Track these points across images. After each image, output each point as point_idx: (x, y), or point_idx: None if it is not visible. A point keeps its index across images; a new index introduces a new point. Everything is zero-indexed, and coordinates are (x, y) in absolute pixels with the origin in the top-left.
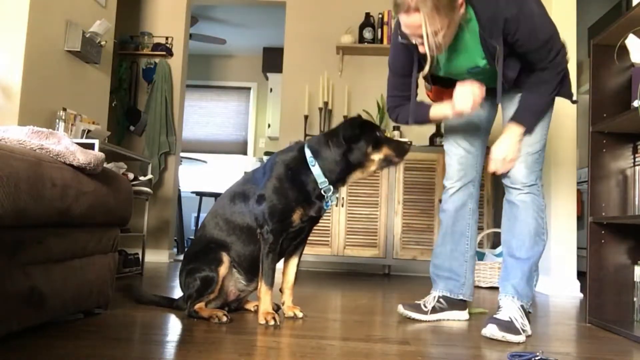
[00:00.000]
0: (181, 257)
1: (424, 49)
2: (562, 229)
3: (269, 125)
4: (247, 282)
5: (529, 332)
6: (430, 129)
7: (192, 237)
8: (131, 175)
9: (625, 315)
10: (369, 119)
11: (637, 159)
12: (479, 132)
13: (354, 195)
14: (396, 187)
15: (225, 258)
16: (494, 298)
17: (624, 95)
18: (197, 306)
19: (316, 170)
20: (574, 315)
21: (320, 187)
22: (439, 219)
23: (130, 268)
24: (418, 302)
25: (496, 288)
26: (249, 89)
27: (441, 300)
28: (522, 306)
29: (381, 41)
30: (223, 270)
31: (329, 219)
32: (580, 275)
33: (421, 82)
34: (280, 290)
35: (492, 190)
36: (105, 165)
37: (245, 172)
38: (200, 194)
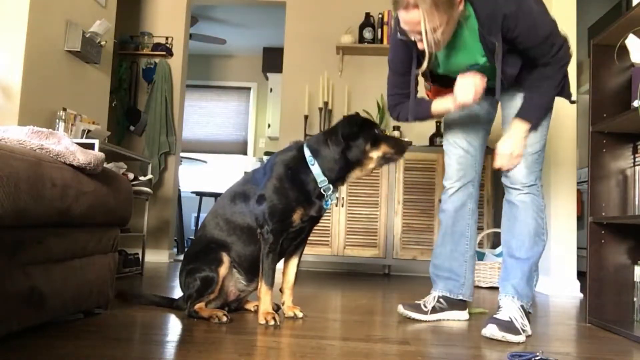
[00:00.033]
0: (181, 257)
1: (422, 45)
2: (562, 229)
3: (269, 125)
4: (247, 282)
5: (529, 332)
6: (431, 129)
7: (192, 237)
8: (131, 175)
9: (625, 315)
10: (368, 118)
11: (637, 159)
12: (478, 132)
13: (354, 195)
14: (396, 187)
15: (226, 258)
16: (494, 298)
17: (624, 95)
18: (197, 306)
19: (316, 169)
20: (574, 315)
21: (319, 186)
22: (439, 219)
23: (130, 268)
24: (418, 302)
25: (496, 288)
26: (249, 89)
27: (441, 300)
28: (522, 306)
29: (381, 41)
30: (223, 270)
31: (329, 219)
32: (580, 275)
33: (421, 81)
34: (281, 290)
35: (492, 190)
36: (105, 165)
37: (245, 172)
38: (200, 194)
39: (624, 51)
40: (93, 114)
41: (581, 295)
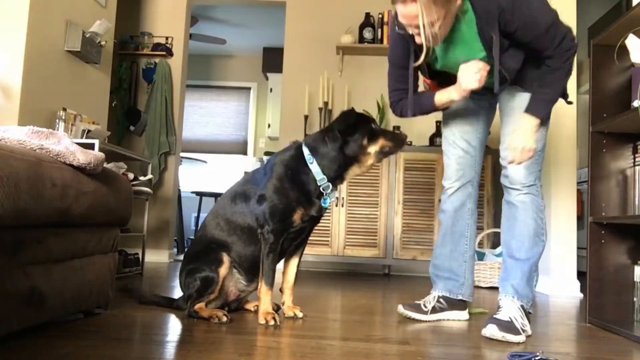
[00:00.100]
0: (181, 257)
1: (420, 39)
2: (562, 229)
3: (269, 125)
4: (247, 282)
5: (529, 332)
6: (431, 129)
7: (192, 237)
8: (131, 175)
9: (625, 315)
10: (364, 113)
11: (637, 159)
12: (477, 131)
13: (354, 195)
14: (396, 187)
15: (226, 258)
16: (494, 298)
17: (624, 95)
18: (197, 306)
19: (314, 167)
20: (574, 315)
21: (319, 184)
22: (439, 219)
23: (130, 268)
24: (418, 302)
25: (496, 288)
26: (249, 89)
27: (441, 300)
28: (522, 306)
29: (381, 41)
30: (223, 270)
31: (329, 219)
32: (580, 275)
33: (421, 78)
34: (281, 290)
35: (492, 190)
36: (105, 165)
37: (245, 172)
38: (200, 194)
39: (624, 51)
40: (93, 114)
41: (581, 295)
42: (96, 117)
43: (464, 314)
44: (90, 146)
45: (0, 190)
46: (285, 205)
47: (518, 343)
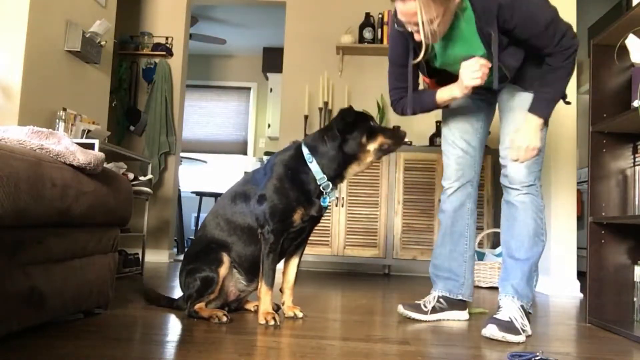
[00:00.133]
0: (181, 257)
1: (419, 36)
2: (562, 229)
3: (269, 125)
4: (247, 282)
5: (529, 332)
6: (431, 129)
7: (192, 237)
8: (131, 175)
9: (625, 315)
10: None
11: (637, 159)
12: (476, 131)
13: (354, 195)
14: (396, 187)
15: (226, 258)
16: (494, 298)
17: (624, 95)
18: (197, 306)
19: (314, 166)
20: (574, 315)
21: (319, 183)
22: (438, 219)
23: (130, 268)
24: (418, 302)
25: (496, 288)
26: (249, 89)
27: (441, 300)
28: (522, 306)
29: (381, 41)
30: (223, 270)
31: (329, 219)
32: (580, 275)
33: (421, 78)
34: (281, 290)
35: (492, 190)
36: (105, 165)
37: (245, 172)
38: (200, 194)
39: (624, 51)
40: (93, 114)
41: (581, 295)
42: (96, 117)
43: (464, 314)
44: (90, 146)
45: (0, 190)
46: (286, 205)
47: (518, 343)
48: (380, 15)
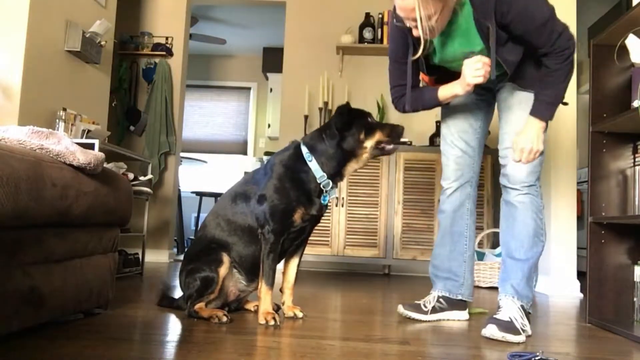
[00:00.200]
0: (181, 257)
1: (417, 32)
2: (562, 229)
3: (269, 125)
4: (247, 282)
5: (529, 332)
6: (431, 129)
7: (192, 237)
8: (131, 175)
9: (625, 315)
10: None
11: (637, 159)
12: (476, 131)
13: (354, 195)
14: (396, 187)
15: (226, 258)
16: (494, 298)
17: (624, 95)
18: (197, 306)
19: (314, 165)
20: (574, 315)
21: (319, 182)
22: (438, 219)
23: (130, 268)
24: (418, 302)
25: (496, 288)
26: (249, 89)
27: (441, 300)
28: (522, 306)
29: (381, 41)
30: (223, 270)
31: (329, 219)
32: (580, 275)
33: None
34: (281, 290)
35: (492, 190)
36: (105, 165)
37: (245, 172)
38: (200, 194)
39: (624, 51)
40: (93, 114)
41: (581, 295)
42: (96, 117)
43: (464, 314)
44: (90, 146)
45: (0, 190)
46: (286, 205)
47: (518, 343)
48: (380, 15)
